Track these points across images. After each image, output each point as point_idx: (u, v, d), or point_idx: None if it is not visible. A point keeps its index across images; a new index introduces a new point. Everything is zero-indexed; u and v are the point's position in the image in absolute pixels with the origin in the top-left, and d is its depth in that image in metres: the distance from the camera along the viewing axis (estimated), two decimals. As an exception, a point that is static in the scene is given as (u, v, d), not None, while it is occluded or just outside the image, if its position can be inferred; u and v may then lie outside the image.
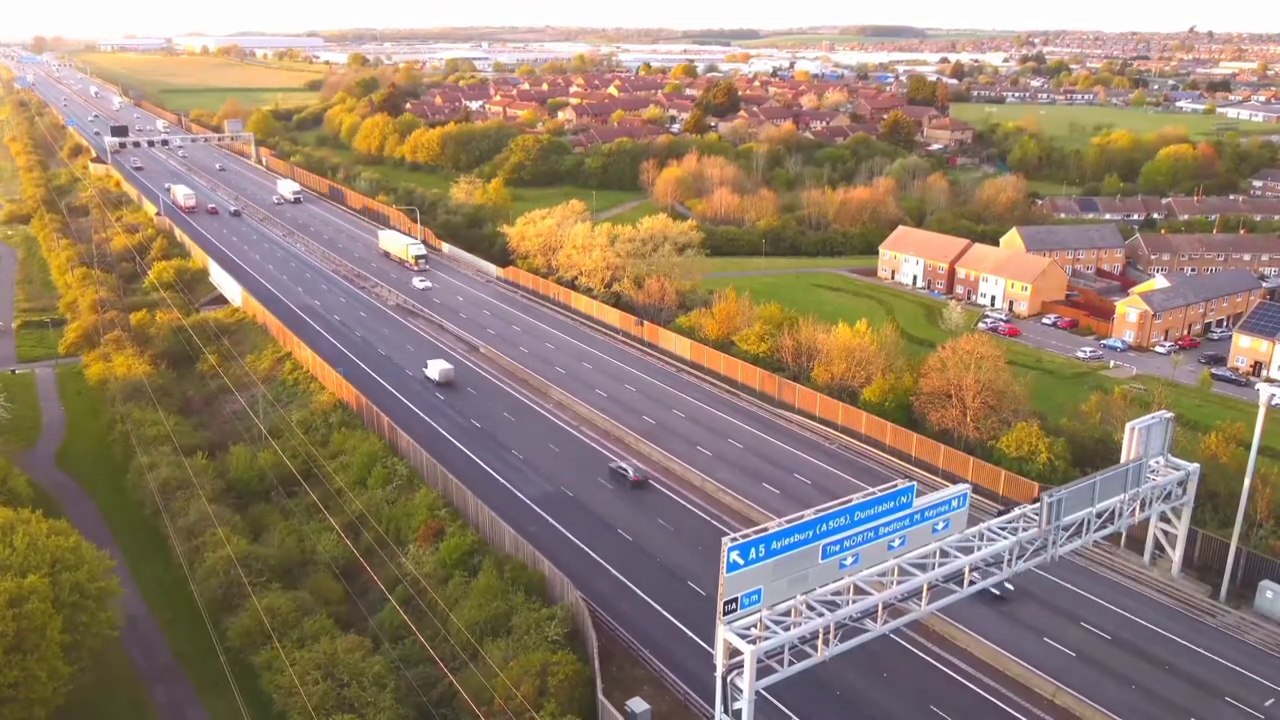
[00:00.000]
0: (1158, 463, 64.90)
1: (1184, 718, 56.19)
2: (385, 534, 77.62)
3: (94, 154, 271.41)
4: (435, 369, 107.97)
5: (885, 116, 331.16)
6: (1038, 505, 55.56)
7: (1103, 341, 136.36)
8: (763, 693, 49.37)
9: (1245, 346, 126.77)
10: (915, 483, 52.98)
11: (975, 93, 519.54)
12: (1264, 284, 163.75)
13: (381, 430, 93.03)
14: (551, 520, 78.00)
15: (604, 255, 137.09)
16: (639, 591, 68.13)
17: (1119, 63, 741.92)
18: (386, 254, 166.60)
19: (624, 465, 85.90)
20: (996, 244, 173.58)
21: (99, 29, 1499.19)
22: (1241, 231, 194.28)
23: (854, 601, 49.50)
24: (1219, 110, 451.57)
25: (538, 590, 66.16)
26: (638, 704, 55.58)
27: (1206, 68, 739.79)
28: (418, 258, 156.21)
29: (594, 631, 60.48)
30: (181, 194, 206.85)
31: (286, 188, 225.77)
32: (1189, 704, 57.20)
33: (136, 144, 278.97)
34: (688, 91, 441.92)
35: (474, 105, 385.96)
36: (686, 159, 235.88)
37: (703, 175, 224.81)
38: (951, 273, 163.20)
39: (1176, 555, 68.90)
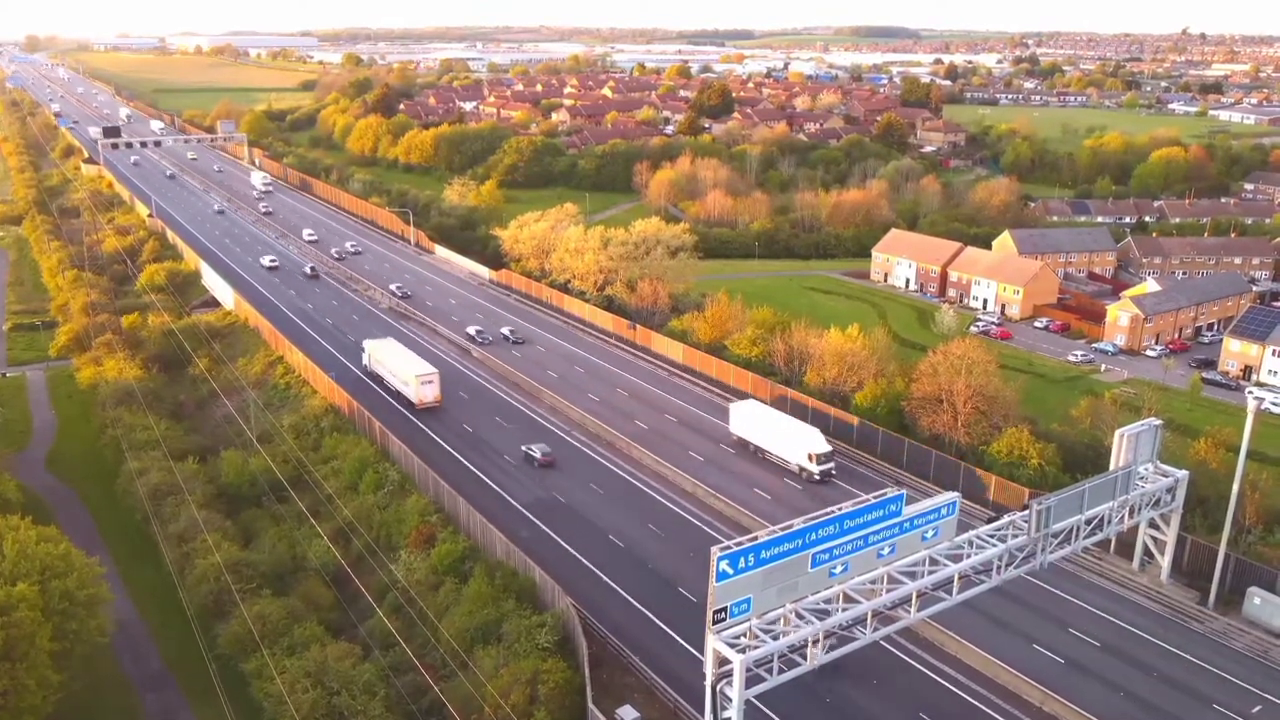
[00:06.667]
0: (1147, 469, 65.07)
1: (1172, 724, 56.42)
2: (376, 540, 77.49)
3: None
4: (538, 450, 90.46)
5: (879, 118, 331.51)
6: (1027, 512, 55.74)
7: (1094, 345, 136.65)
8: (753, 701, 49.51)
9: (1236, 350, 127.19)
10: (905, 490, 53.15)
11: (969, 94, 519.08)
12: (1255, 288, 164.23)
13: (373, 435, 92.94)
14: (543, 526, 78.08)
15: (597, 258, 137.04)
16: (630, 598, 68.19)
17: (1112, 64, 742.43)
18: None
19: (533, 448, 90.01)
20: (989, 247, 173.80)
21: (92, 28, 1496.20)
22: (1232, 234, 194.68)
23: (844, 610, 49.64)
24: (1211, 112, 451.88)
25: (529, 597, 66.07)
26: (628, 712, 55.65)
27: (1199, 69, 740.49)
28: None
29: (584, 639, 60.52)
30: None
31: None
32: (1177, 710, 57.42)
33: (129, 144, 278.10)
34: (682, 93, 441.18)
35: (468, 106, 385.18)
36: (680, 161, 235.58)
37: (696, 177, 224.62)
38: (944, 276, 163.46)
39: (1165, 561, 69.15)
